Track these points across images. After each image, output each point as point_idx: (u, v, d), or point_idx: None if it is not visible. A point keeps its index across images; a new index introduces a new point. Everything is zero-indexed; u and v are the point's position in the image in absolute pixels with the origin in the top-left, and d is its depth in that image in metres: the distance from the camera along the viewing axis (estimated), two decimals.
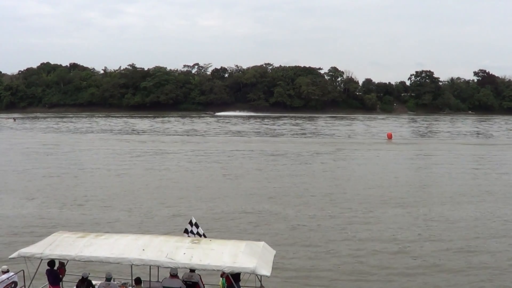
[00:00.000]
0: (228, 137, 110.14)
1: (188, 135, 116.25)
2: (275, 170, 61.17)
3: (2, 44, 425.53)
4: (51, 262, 18.97)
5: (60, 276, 19.49)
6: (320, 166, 65.59)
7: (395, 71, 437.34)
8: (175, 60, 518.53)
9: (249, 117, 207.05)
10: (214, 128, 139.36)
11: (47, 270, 19.00)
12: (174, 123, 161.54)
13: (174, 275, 18.21)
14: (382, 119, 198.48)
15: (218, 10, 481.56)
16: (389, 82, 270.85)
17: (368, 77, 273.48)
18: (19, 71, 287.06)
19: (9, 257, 18.60)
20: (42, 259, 18.40)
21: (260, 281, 17.59)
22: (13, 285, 18.92)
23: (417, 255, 29.02)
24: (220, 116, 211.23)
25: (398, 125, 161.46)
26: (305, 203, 42.34)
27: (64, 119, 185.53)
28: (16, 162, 67.72)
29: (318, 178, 56.02)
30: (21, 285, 19.32)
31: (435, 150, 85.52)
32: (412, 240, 32.00)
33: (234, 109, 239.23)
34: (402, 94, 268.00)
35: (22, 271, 19.18)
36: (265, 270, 16.80)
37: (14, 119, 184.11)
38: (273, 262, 18.15)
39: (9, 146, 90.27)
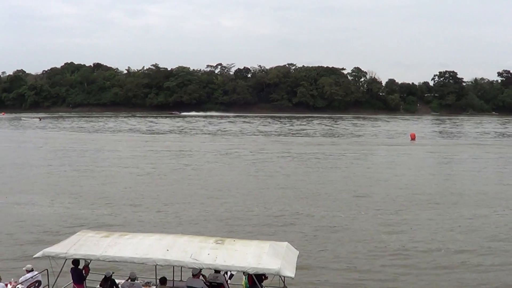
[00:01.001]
0: (253, 137, 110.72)
1: (214, 135, 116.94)
2: (299, 171, 61.04)
3: (26, 44, 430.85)
4: (76, 261, 19.06)
5: (84, 275, 19.58)
6: (344, 166, 65.36)
7: (418, 72, 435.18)
8: (198, 60, 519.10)
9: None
10: (246, 129, 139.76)
11: (71, 268, 19.10)
12: (201, 123, 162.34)
13: (195, 275, 18.30)
14: (406, 119, 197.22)
15: (240, 10, 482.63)
16: (413, 83, 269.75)
17: (391, 77, 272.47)
18: (43, 71, 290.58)
19: (34, 256, 18.89)
20: (66, 259, 18.58)
21: (284, 282, 17.63)
22: (37, 284, 19.09)
23: (455, 266, 27.62)
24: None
25: (422, 125, 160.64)
26: (331, 204, 42.07)
27: (89, 119, 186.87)
28: (45, 162, 68.19)
29: (343, 179, 55.72)
30: (45, 284, 19.45)
31: (459, 151, 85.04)
32: (449, 250, 30.20)
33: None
34: (426, 95, 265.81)
35: (46, 270, 19.27)
36: (289, 271, 16.78)
37: (40, 118, 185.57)
38: (296, 263, 18.10)
39: (37, 145, 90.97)
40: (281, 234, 32.29)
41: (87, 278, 19.97)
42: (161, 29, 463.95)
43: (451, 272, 26.60)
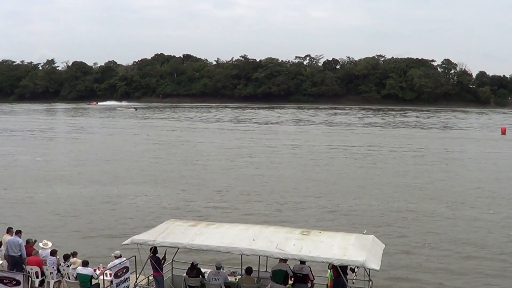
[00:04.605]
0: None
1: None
2: (388, 164, 61.09)
3: (117, 36, 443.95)
4: (155, 249, 19.21)
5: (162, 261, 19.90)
6: (431, 160, 65.09)
7: (510, 64, 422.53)
8: (286, 51, 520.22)
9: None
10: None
11: (150, 256, 19.25)
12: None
13: (283, 260, 18.37)
14: (497, 113, 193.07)
15: (329, 1, 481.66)
16: (504, 75, 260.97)
17: (482, 70, 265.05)
18: (134, 62, 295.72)
19: (122, 243, 19.22)
20: (154, 246, 18.93)
21: (369, 275, 17.56)
22: (124, 270, 19.49)
23: None
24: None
25: None
26: (419, 198, 41.80)
27: (182, 109, 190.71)
28: (151, 152, 70.18)
29: (432, 172, 55.37)
30: (132, 270, 19.92)
31: None
32: None
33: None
34: None
35: (134, 257, 19.64)
36: (375, 264, 16.53)
37: (135, 108, 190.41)
38: (382, 256, 17.86)
39: (142, 136, 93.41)
40: (367, 227, 32.03)
41: (173, 266, 20.67)
42: (250, 20, 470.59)
43: None
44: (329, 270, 19.35)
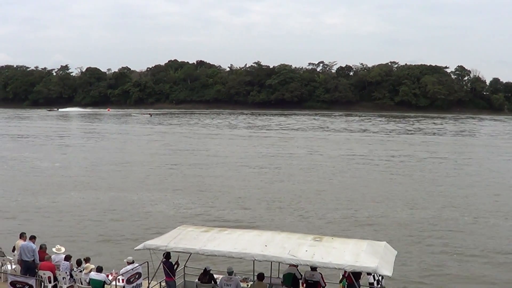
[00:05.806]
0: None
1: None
2: (403, 173, 60.60)
3: (131, 42, 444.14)
4: (168, 254, 19.38)
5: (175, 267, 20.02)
6: (444, 167, 65.02)
7: None
8: (300, 58, 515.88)
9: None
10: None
11: (163, 261, 19.44)
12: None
13: (292, 264, 18.44)
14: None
15: (343, 8, 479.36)
16: None
17: (496, 76, 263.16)
18: (148, 68, 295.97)
19: (135, 248, 19.22)
20: (166, 252, 19.03)
21: (381, 281, 17.64)
22: (137, 276, 19.52)
23: None
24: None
25: None
26: (439, 207, 41.59)
27: (197, 116, 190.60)
28: (167, 159, 70.04)
29: (445, 181, 54.98)
30: (145, 276, 20.00)
31: None
32: None
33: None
34: None
35: (146, 263, 19.79)
36: (387, 270, 16.49)
37: (151, 114, 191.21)
38: (394, 263, 17.74)
39: (163, 143, 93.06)
40: (380, 234, 32.26)
41: (185, 272, 20.75)
42: (264, 27, 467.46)
43: None
44: (340, 284, 19.46)
